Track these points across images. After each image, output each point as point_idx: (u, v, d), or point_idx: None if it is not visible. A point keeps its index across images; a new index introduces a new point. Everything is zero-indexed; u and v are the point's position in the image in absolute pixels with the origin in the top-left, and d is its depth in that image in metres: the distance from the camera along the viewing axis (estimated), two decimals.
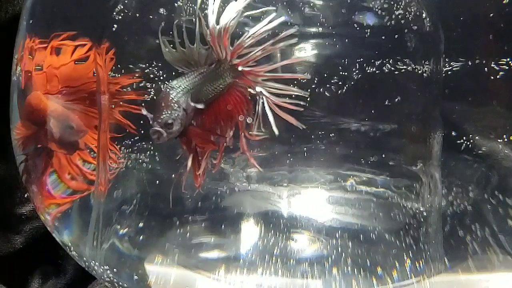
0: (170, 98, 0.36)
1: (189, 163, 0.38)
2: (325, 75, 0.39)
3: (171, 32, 0.36)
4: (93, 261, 0.43)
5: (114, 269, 0.42)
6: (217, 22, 0.35)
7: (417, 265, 0.40)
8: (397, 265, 0.40)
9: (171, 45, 0.36)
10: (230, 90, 0.37)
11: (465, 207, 0.41)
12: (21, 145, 0.45)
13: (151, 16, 0.40)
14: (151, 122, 0.36)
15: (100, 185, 0.42)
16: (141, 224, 0.43)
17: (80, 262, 0.44)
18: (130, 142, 0.42)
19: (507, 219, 0.39)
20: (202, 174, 0.38)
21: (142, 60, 0.41)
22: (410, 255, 0.40)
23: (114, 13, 0.40)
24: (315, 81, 0.39)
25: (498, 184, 0.41)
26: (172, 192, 0.39)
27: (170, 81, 0.37)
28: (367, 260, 0.40)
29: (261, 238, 0.42)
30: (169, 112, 0.35)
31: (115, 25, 0.41)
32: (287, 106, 0.36)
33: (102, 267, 0.42)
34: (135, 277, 0.42)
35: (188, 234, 0.43)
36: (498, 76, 0.39)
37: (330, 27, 0.40)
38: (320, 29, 0.40)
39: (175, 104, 0.36)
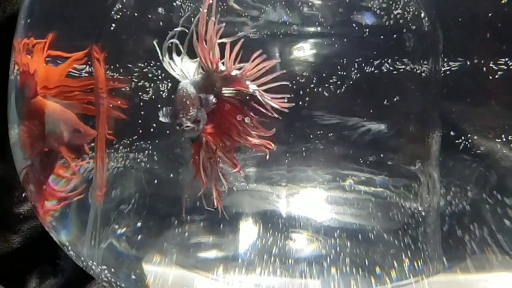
0: (193, 96, 0.36)
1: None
2: (324, 74, 0.39)
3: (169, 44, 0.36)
4: (91, 261, 0.42)
5: (112, 269, 0.42)
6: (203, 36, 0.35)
7: (416, 264, 0.40)
8: (395, 264, 0.40)
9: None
10: (223, 99, 0.37)
11: (464, 207, 0.41)
12: (26, 149, 0.44)
13: (149, 16, 0.40)
14: (174, 120, 0.36)
15: (98, 186, 0.42)
16: (139, 224, 0.43)
17: (77, 262, 0.44)
18: (128, 142, 0.42)
19: (505, 219, 0.39)
20: (219, 199, 0.38)
21: (141, 59, 0.41)
22: (409, 254, 0.40)
23: (112, 12, 0.40)
24: (314, 81, 0.39)
25: (497, 183, 0.41)
26: (172, 193, 0.39)
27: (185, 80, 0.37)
28: (366, 260, 0.40)
29: (260, 237, 0.42)
30: (195, 110, 0.36)
31: (113, 24, 0.40)
32: (276, 102, 0.36)
33: (100, 267, 0.42)
34: (133, 277, 0.42)
35: (186, 233, 0.42)
36: (496, 76, 0.39)
37: (329, 27, 0.40)
38: (319, 28, 0.40)
39: (198, 102, 0.36)
